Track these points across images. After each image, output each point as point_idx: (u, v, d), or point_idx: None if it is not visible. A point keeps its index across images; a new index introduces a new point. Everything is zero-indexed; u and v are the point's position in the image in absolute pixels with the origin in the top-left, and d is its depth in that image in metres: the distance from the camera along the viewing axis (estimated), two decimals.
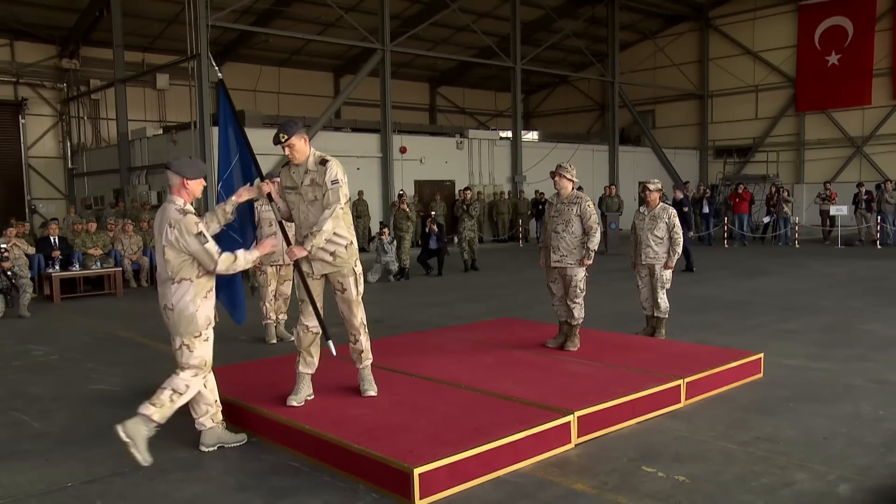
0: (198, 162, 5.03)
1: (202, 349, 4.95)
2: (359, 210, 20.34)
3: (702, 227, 22.00)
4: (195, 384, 4.96)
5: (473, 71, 31.99)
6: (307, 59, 29.09)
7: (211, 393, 5.13)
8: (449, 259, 16.62)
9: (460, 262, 16.68)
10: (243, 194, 5.31)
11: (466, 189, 16.99)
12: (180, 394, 4.87)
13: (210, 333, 4.99)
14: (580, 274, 7.17)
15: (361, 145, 21.90)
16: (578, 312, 7.18)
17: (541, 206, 15.91)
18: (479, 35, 25.33)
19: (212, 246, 4.85)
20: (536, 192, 23.81)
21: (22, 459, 4.98)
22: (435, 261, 15.43)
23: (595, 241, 7.09)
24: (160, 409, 4.81)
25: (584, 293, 7.24)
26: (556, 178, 7.25)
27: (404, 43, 22.47)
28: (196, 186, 4.94)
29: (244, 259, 4.98)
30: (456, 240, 17.12)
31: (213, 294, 5.01)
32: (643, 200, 8.30)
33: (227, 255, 4.91)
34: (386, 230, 15.07)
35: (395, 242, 15.03)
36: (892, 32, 26.23)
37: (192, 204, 4.98)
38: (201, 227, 4.84)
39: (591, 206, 7.17)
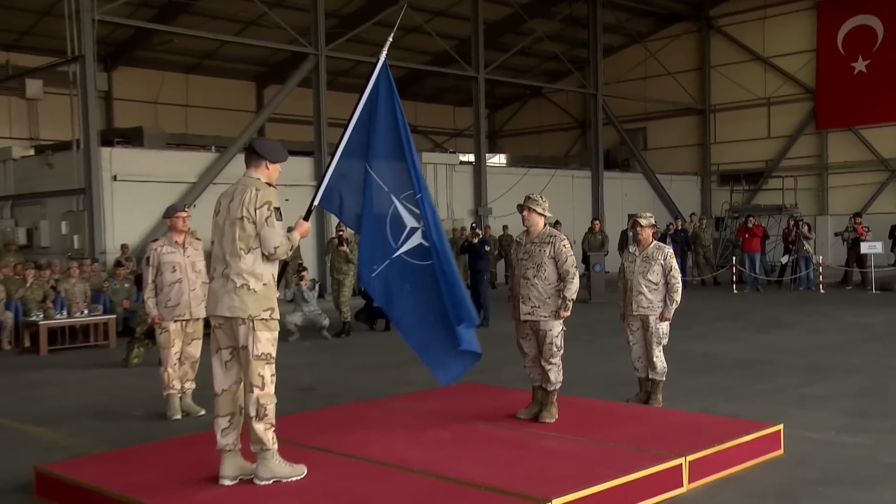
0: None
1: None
2: None
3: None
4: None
5: (427, 81, 32.27)
6: (222, 65, 29.09)
7: None
8: None
9: None
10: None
11: None
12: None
13: None
14: (556, 328, 7.19)
15: (291, 171, 21.77)
16: (555, 375, 7.18)
17: (487, 248, 15.98)
18: (433, 38, 25.58)
19: None
20: (504, 227, 23.96)
21: None
22: (382, 322, 15.31)
23: (573, 289, 7.13)
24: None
25: (562, 352, 7.25)
26: (525, 213, 7.31)
27: (342, 47, 22.60)
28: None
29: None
30: None
31: None
32: (634, 238, 8.39)
33: None
34: (305, 274, 15.02)
35: (316, 289, 15.05)
36: None
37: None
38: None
39: (568, 245, 7.23)
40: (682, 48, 31.63)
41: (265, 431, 5.58)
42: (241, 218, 5.54)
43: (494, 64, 26.01)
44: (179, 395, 8.64)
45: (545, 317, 7.16)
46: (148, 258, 8.72)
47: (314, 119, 21.88)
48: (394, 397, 8.62)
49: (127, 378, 11.13)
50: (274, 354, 5.65)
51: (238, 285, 5.53)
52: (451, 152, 27.88)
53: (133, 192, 18.87)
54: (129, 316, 14.76)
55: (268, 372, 5.59)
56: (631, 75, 32.14)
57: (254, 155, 5.76)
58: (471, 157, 25.95)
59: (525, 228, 7.40)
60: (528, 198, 7.38)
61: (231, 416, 5.70)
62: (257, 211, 5.53)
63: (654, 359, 8.16)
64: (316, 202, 6.44)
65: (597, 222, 21.74)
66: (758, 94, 30.24)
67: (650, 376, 8.23)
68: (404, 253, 6.52)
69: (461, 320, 6.49)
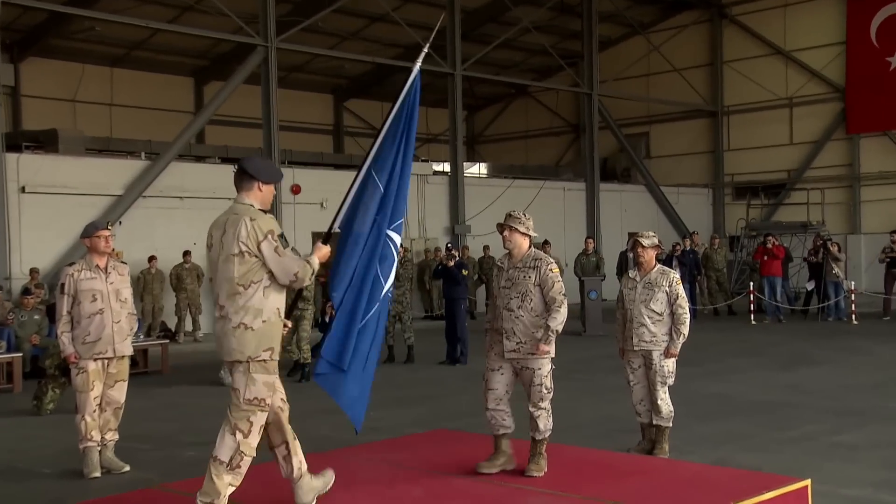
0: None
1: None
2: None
3: None
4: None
5: (395, 78, 32.21)
6: (154, 58, 29.01)
7: None
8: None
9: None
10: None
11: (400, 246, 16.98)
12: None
13: None
14: (546, 367, 7.13)
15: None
16: (544, 423, 7.13)
17: (464, 272, 15.97)
18: (402, 28, 25.60)
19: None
20: (485, 248, 23.97)
21: None
22: None
23: (559, 320, 7.05)
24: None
25: (552, 394, 7.23)
26: (506, 233, 7.27)
27: (297, 37, 22.62)
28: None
29: None
30: None
31: None
32: (634, 260, 8.41)
33: None
34: None
35: None
36: None
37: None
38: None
39: (556, 270, 7.19)
40: (691, 41, 31.91)
41: (228, 487, 5.72)
42: (240, 253, 5.69)
43: (474, 58, 26.14)
44: (99, 448, 8.49)
45: (533, 354, 7.12)
46: (62, 285, 8.61)
47: (263, 121, 21.83)
48: (356, 447, 8.55)
49: (35, 428, 10.97)
50: (269, 401, 5.85)
51: (235, 325, 5.70)
52: (423, 161, 27.84)
53: (45, 206, 18.74)
54: (38, 354, 14.56)
55: (258, 420, 5.81)
56: (631, 72, 32.34)
57: (245, 176, 5.91)
58: (446, 167, 26.04)
59: (507, 251, 7.38)
60: (508, 216, 7.32)
61: (285, 444, 6.03)
62: (261, 245, 5.70)
63: (659, 401, 8.16)
64: (337, 225, 6.54)
65: (590, 241, 21.76)
66: (778, 94, 30.51)
67: (654, 422, 8.23)
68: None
69: (334, 356, 6.73)
